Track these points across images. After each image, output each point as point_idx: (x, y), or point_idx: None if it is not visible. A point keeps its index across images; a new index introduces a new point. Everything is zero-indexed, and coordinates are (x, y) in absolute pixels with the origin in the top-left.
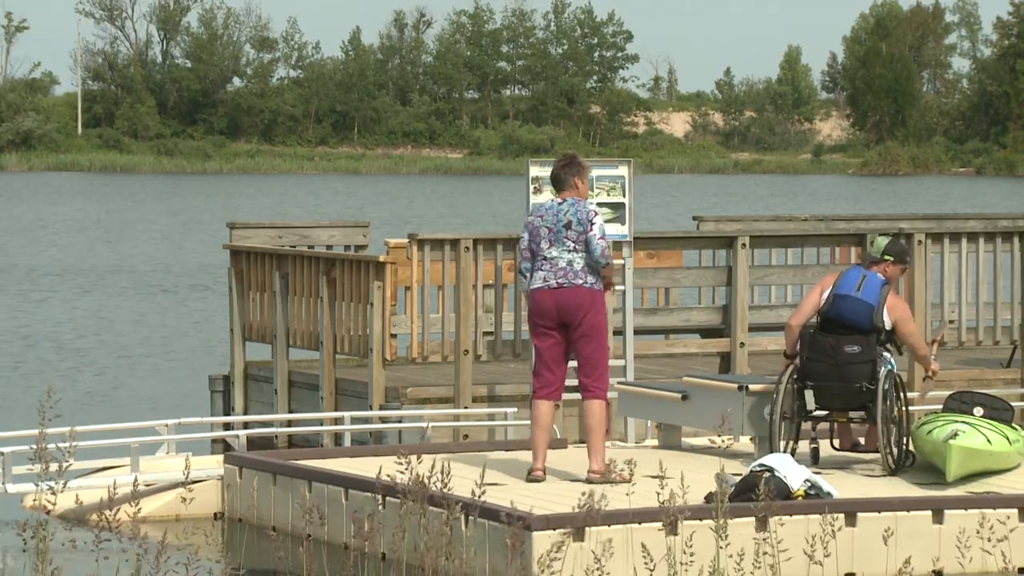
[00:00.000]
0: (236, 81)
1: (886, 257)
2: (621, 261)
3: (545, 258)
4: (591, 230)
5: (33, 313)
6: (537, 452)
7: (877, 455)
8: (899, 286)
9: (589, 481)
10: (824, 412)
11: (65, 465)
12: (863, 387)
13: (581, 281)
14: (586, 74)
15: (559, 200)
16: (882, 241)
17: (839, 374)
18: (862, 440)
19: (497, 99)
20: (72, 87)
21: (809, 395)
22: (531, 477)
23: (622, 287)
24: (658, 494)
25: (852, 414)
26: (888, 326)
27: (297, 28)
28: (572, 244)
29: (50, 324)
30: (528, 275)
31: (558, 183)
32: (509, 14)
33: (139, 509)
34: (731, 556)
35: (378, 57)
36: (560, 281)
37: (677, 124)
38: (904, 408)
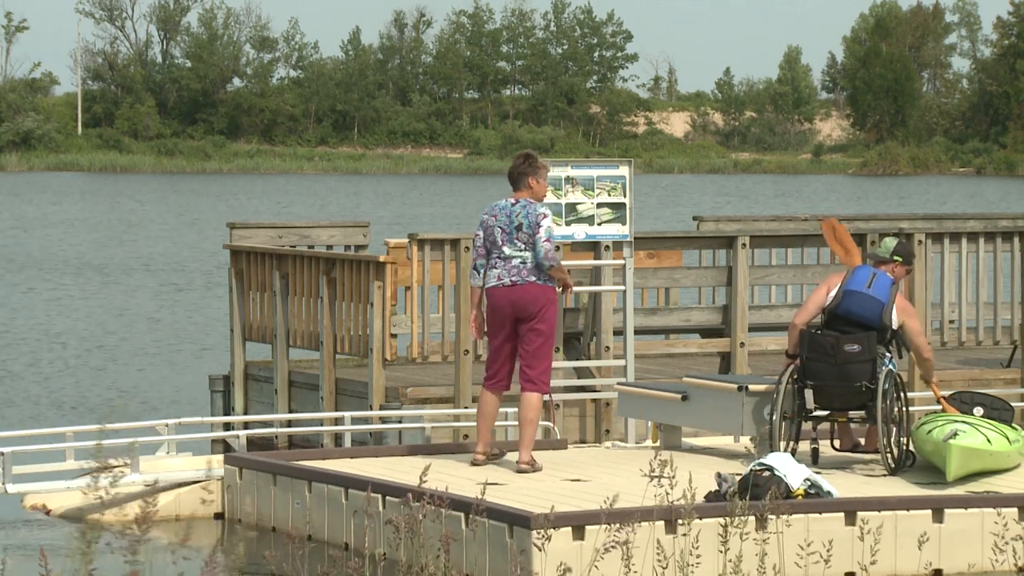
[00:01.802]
0: (236, 81)
1: (895, 258)
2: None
3: (500, 257)
4: (538, 232)
5: (42, 311)
6: (480, 437)
7: (877, 455)
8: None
9: (520, 471)
10: (824, 412)
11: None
12: (863, 386)
13: (534, 278)
14: (586, 74)
15: (512, 201)
16: (891, 242)
17: (839, 374)
18: (862, 440)
19: (497, 99)
20: (72, 87)
21: (809, 395)
22: (473, 462)
23: (622, 287)
24: (666, 494)
25: (852, 414)
26: (895, 325)
27: (297, 28)
28: (522, 245)
29: (55, 323)
30: (481, 271)
31: (513, 182)
32: (509, 14)
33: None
34: (730, 556)
35: (378, 57)
36: (514, 279)
37: (677, 124)
38: (904, 408)
